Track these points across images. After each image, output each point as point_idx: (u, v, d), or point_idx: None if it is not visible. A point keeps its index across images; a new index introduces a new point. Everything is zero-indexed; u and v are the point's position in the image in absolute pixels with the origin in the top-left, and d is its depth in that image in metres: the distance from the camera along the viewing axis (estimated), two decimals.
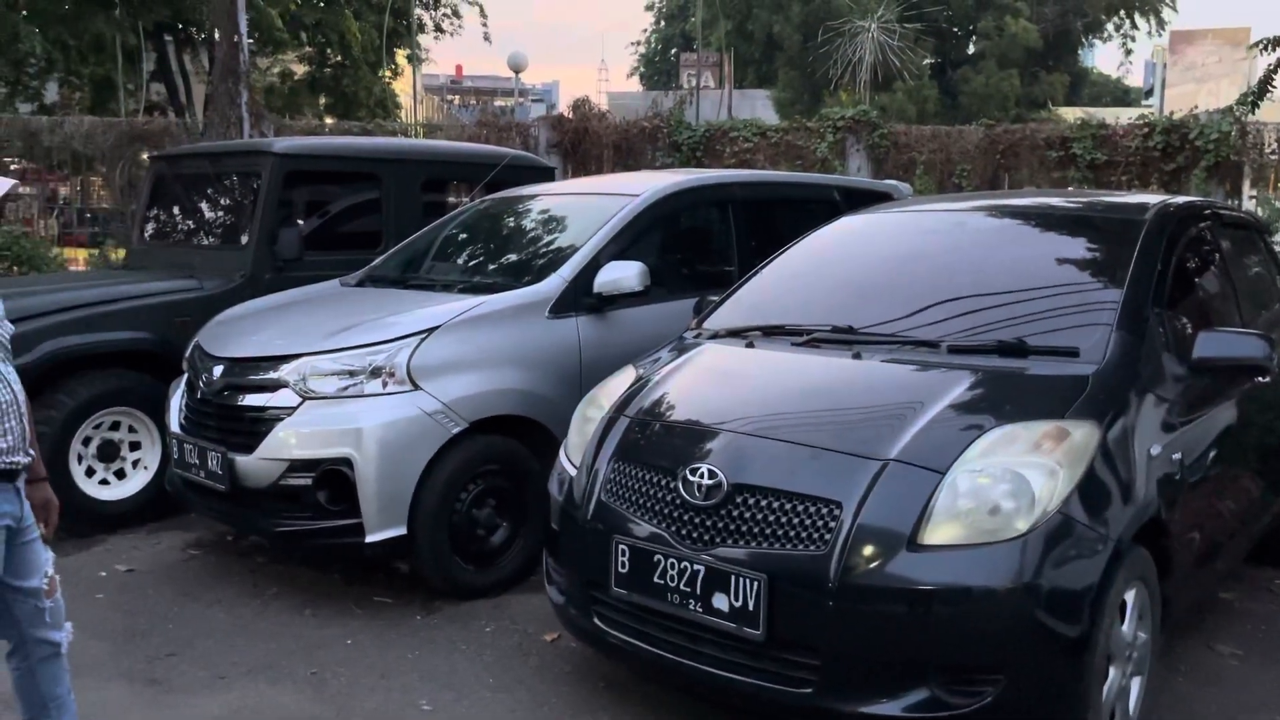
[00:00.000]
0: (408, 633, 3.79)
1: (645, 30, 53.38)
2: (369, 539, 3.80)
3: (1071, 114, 14.80)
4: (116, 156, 9.63)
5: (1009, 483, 2.59)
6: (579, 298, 4.39)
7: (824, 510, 2.64)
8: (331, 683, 3.42)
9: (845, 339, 3.29)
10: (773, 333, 3.50)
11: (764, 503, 2.71)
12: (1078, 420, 2.74)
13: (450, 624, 3.88)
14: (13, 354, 2.43)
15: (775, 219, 5.34)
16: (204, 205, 5.99)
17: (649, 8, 52.39)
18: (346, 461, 3.78)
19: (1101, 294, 3.26)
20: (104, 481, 4.94)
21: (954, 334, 3.19)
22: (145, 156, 10.75)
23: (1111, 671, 2.71)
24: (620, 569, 2.91)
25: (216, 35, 7.93)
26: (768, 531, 2.68)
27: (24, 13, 10.78)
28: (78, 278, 6.38)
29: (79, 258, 9.35)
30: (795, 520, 2.66)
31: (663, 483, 2.90)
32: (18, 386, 2.45)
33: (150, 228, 6.16)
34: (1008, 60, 36.38)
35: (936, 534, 2.56)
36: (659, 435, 3.09)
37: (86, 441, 4.86)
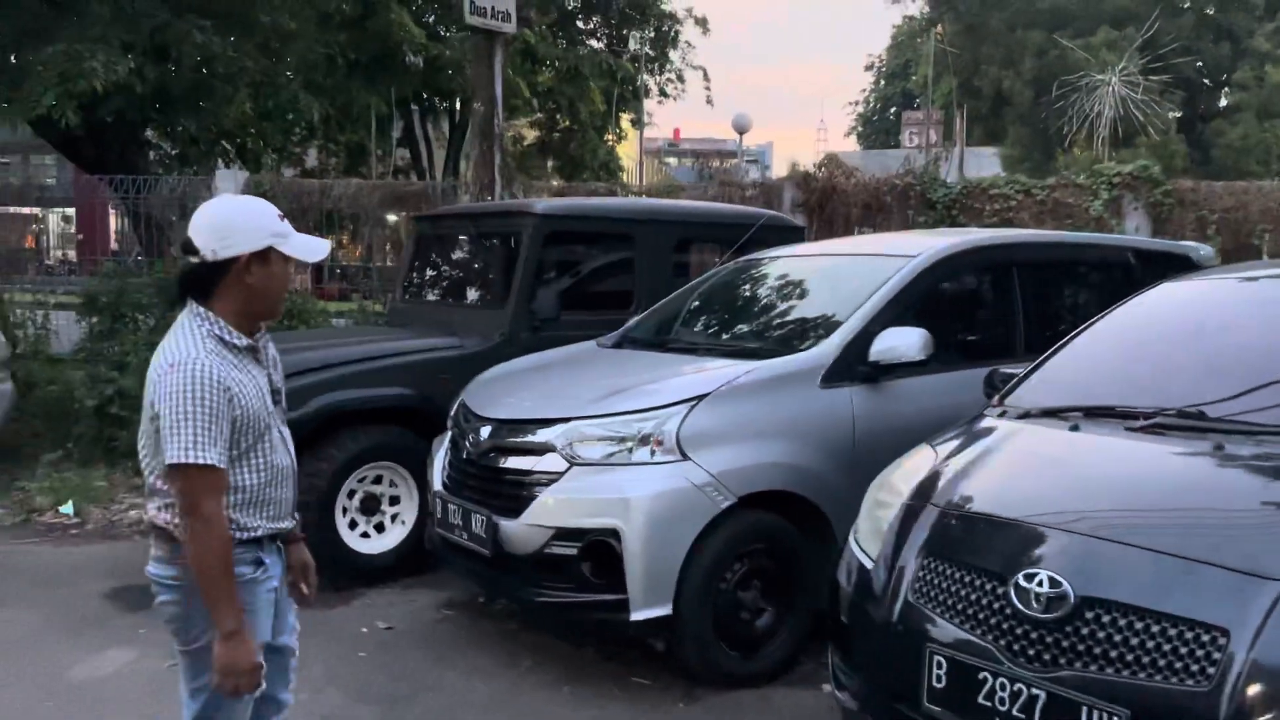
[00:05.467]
0: None
1: (864, 90, 53.00)
2: (634, 617, 3.59)
3: None
4: (378, 216, 10.20)
5: None
6: (853, 366, 4.08)
7: (1204, 638, 2.18)
8: None
9: (1196, 425, 2.81)
10: (1099, 414, 3.05)
11: (1123, 622, 2.28)
12: None
13: (710, 715, 3.62)
14: (288, 408, 2.42)
15: (1064, 283, 4.86)
16: (464, 264, 6.12)
17: (869, 68, 52.01)
18: (614, 533, 3.61)
19: None
20: (365, 535, 5.02)
21: None
22: (389, 216, 11.33)
23: None
24: (935, 683, 2.54)
25: (476, 104, 8.22)
26: (1129, 658, 2.25)
27: (296, 80, 11.77)
28: (345, 334, 6.65)
29: (338, 311, 9.92)
30: (1166, 647, 2.22)
31: (989, 588, 2.52)
32: (292, 451, 2.44)
33: (412, 285, 6.35)
34: (1268, 112, 33.43)
35: None
36: (979, 531, 2.71)
37: (351, 494, 4.96)
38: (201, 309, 2.24)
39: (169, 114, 11.57)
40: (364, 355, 5.12)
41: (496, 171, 7.93)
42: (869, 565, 2.92)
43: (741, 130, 21.91)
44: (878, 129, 51.18)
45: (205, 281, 2.23)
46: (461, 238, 6.16)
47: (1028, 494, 2.79)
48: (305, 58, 11.70)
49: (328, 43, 12.64)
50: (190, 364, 2.14)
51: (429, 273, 6.36)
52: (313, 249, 2.32)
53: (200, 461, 2.11)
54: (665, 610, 3.61)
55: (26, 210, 40.59)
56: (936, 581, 2.66)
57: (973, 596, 2.55)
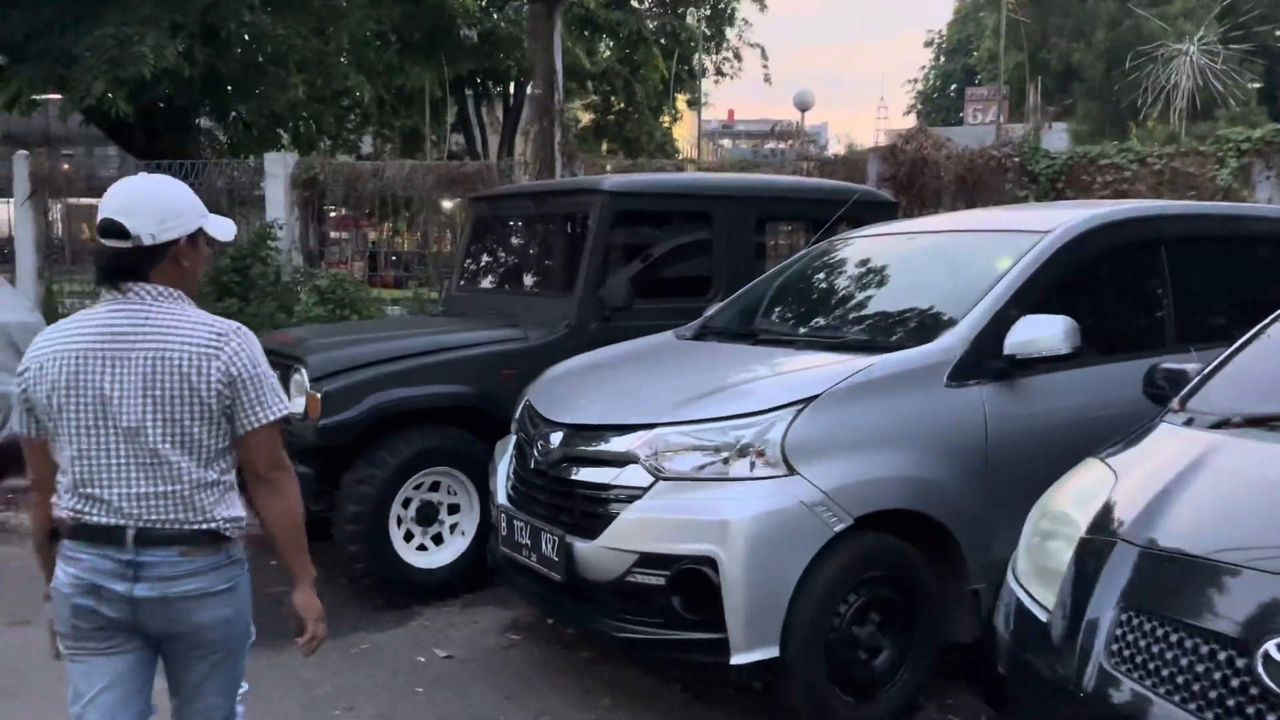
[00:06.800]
0: None
1: (923, 67, 51.69)
2: (734, 661, 3.05)
3: None
4: (433, 199, 9.76)
5: None
6: (984, 361, 3.49)
7: None
8: None
9: None
10: None
11: None
12: None
13: None
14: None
15: (1219, 261, 4.20)
16: (526, 248, 5.62)
17: (929, 44, 50.72)
18: (710, 561, 3.06)
19: None
20: (422, 547, 4.54)
21: None
22: (444, 203, 10.85)
23: None
24: None
25: (532, 85, 7.72)
26: None
27: (347, 61, 11.40)
28: (398, 325, 6.18)
29: (394, 299, 9.55)
30: None
31: (1223, 658, 1.94)
32: None
33: (469, 272, 5.85)
34: None
35: None
36: (1199, 579, 2.13)
37: (406, 503, 4.49)
38: (168, 288, 2.08)
39: (221, 99, 11.28)
40: (418, 349, 4.63)
41: (556, 149, 7.42)
42: (1039, 614, 2.36)
43: (804, 107, 21.18)
44: (938, 106, 49.85)
45: (137, 268, 2.05)
46: (522, 219, 5.66)
47: (1258, 531, 2.19)
48: (356, 35, 11.29)
49: (379, 19, 12.22)
50: (236, 328, 2.08)
51: (487, 258, 5.87)
52: (225, 228, 2.20)
53: (290, 409, 2.18)
54: (772, 652, 3.06)
55: (87, 201, 41.17)
56: (1143, 644, 2.08)
57: (1199, 668, 1.97)
